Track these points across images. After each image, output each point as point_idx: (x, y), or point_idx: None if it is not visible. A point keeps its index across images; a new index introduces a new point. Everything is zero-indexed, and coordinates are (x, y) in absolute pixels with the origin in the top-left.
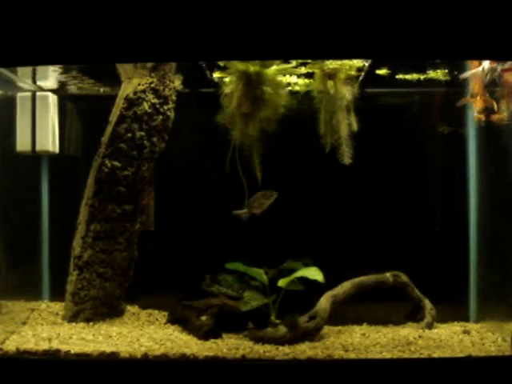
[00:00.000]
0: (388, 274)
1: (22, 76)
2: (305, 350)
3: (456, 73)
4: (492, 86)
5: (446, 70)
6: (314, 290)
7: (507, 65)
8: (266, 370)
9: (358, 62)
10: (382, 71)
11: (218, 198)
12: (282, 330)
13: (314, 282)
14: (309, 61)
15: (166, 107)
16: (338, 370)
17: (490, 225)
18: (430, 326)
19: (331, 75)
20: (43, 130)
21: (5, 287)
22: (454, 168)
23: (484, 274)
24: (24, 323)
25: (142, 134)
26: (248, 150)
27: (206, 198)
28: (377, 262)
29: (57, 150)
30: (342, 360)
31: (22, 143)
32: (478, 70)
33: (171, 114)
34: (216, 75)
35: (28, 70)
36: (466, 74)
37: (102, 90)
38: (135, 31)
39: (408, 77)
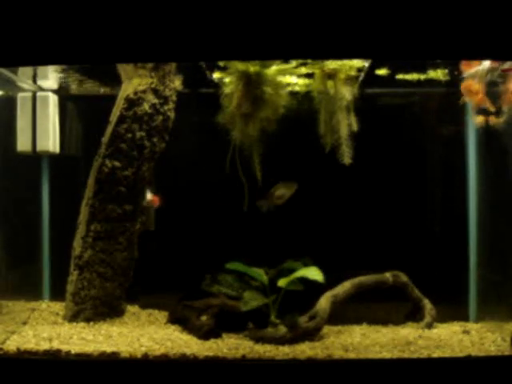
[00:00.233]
0: (388, 274)
1: (22, 76)
2: (305, 349)
3: (456, 73)
4: (492, 85)
5: (446, 70)
6: (314, 290)
7: (507, 65)
8: (266, 369)
9: (357, 62)
10: (382, 71)
11: (218, 198)
12: (282, 330)
13: (314, 282)
14: (309, 61)
15: (166, 107)
16: (337, 369)
17: (489, 225)
18: (429, 326)
19: (331, 75)
20: (43, 130)
21: (5, 287)
22: (454, 168)
23: (484, 273)
24: (24, 323)
25: (143, 134)
26: (248, 150)
27: (206, 198)
28: (377, 261)
29: (57, 150)
30: (342, 360)
31: (23, 143)
32: (479, 68)
33: (171, 115)
34: (216, 75)
35: (28, 69)
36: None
37: (102, 90)
38: (135, 31)
39: (408, 77)
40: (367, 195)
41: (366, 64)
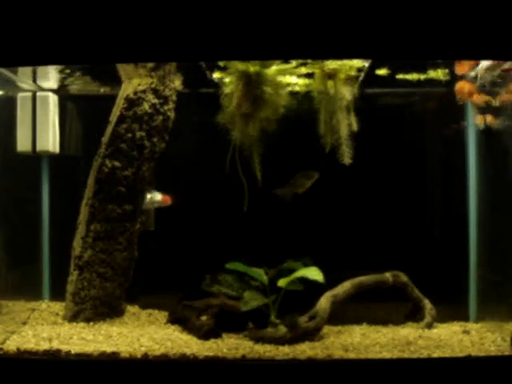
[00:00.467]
0: (388, 274)
1: (22, 76)
2: (305, 350)
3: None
4: (491, 86)
5: (447, 70)
6: (314, 290)
7: (507, 65)
8: (266, 369)
9: (358, 62)
10: (382, 71)
11: (217, 198)
12: (282, 330)
13: (314, 282)
14: (309, 61)
15: (166, 107)
16: (337, 369)
17: (489, 225)
18: (429, 326)
19: (331, 75)
20: (43, 130)
21: (5, 287)
22: (454, 168)
23: (484, 273)
24: (24, 323)
25: (143, 134)
26: (248, 150)
27: (206, 198)
28: (377, 261)
29: (57, 150)
30: (342, 360)
31: (23, 143)
32: (478, 68)
33: (171, 114)
34: (216, 75)
35: (28, 69)
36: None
37: (102, 90)
38: (136, 31)
39: (408, 77)
40: (367, 195)
41: (366, 64)
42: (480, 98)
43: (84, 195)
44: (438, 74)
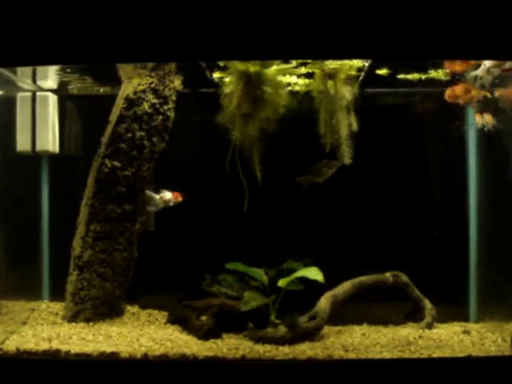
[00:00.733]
0: (388, 274)
1: (22, 76)
2: (305, 349)
3: (458, 73)
4: (491, 86)
5: (447, 70)
6: (314, 289)
7: (507, 65)
8: (266, 369)
9: (358, 62)
10: (382, 71)
11: (217, 198)
12: (282, 329)
13: (314, 281)
14: (309, 61)
15: (166, 107)
16: (338, 369)
17: (489, 225)
18: (429, 326)
19: (331, 75)
20: (43, 130)
21: (5, 287)
22: (454, 168)
23: (484, 273)
24: (24, 323)
25: (142, 134)
26: (248, 150)
27: (206, 197)
28: (377, 262)
29: (57, 150)
30: (342, 360)
31: (22, 143)
32: (479, 69)
33: (171, 114)
34: (216, 75)
35: (28, 69)
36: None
37: (101, 90)
38: (135, 31)
39: (409, 76)
40: (367, 195)
41: (366, 64)
42: (471, 98)
43: (84, 195)
44: (439, 73)
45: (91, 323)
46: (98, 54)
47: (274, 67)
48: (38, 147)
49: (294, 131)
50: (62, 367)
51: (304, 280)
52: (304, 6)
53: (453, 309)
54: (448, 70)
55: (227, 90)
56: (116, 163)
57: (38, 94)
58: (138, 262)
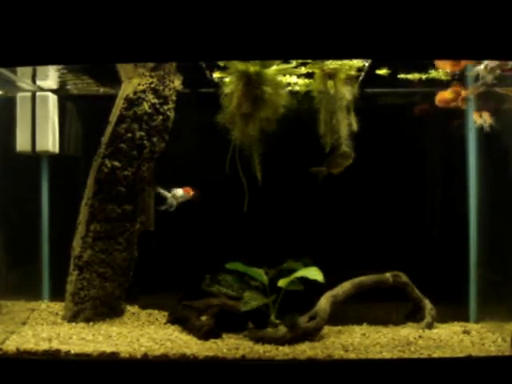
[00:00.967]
0: (388, 274)
1: (22, 76)
2: (305, 349)
3: (457, 72)
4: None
5: (448, 70)
6: (314, 289)
7: (509, 65)
8: (266, 369)
9: (357, 62)
10: (382, 71)
11: (217, 198)
12: (282, 329)
13: (314, 281)
14: (309, 61)
15: (165, 107)
16: (338, 369)
17: (489, 225)
18: (430, 326)
19: (331, 75)
20: (43, 130)
21: (5, 287)
22: (454, 168)
23: (484, 273)
24: (24, 323)
25: (142, 134)
26: (248, 150)
27: (206, 197)
28: (377, 262)
29: (57, 150)
30: (342, 360)
31: (22, 143)
32: (480, 68)
33: (171, 114)
34: (216, 75)
35: (28, 69)
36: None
37: (101, 90)
38: (135, 31)
39: (410, 76)
40: (367, 195)
41: (366, 64)
42: (461, 103)
43: (84, 195)
44: (440, 73)
45: (91, 323)
46: (98, 54)
47: (274, 67)
48: (38, 147)
49: (294, 131)
50: (62, 367)
51: (304, 280)
52: (304, 6)
53: (453, 309)
54: (449, 70)
55: (227, 90)
56: (116, 163)
57: (38, 94)
58: (138, 261)
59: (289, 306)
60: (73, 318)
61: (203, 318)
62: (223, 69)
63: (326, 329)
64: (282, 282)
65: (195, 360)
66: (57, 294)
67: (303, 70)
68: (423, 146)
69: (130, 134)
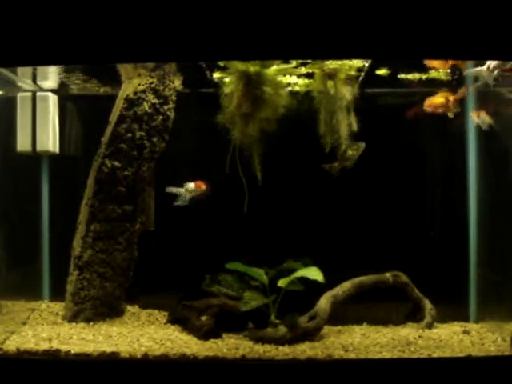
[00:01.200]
0: (388, 274)
1: (22, 76)
2: (305, 349)
3: (458, 72)
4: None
5: (448, 70)
6: (314, 289)
7: (509, 65)
8: (266, 369)
9: (357, 62)
10: (382, 71)
11: (217, 198)
12: (282, 329)
13: (314, 282)
14: (309, 61)
15: (166, 107)
16: (338, 369)
17: (489, 225)
18: (429, 326)
19: (331, 75)
20: (43, 129)
21: (5, 287)
22: (454, 168)
23: (484, 273)
24: (24, 323)
25: (142, 134)
26: (248, 150)
27: (206, 197)
28: (377, 262)
29: (57, 150)
30: (342, 360)
31: (23, 143)
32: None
33: (171, 114)
34: (216, 75)
35: (28, 69)
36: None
37: (102, 90)
38: (136, 31)
39: (410, 76)
40: (367, 195)
41: (366, 64)
42: (450, 108)
43: (84, 195)
44: (440, 73)
45: (91, 323)
46: (98, 54)
47: (274, 67)
48: (38, 147)
49: (294, 131)
50: (62, 367)
51: (304, 280)
52: (304, 6)
53: (453, 309)
54: (449, 70)
55: (227, 90)
56: (116, 163)
57: (38, 94)
58: (138, 262)
59: (289, 305)
60: (73, 317)
61: (203, 317)
62: (223, 69)
63: (326, 329)
64: (281, 282)
65: (195, 360)
66: (57, 294)
67: (303, 70)
68: (423, 145)
69: (130, 134)
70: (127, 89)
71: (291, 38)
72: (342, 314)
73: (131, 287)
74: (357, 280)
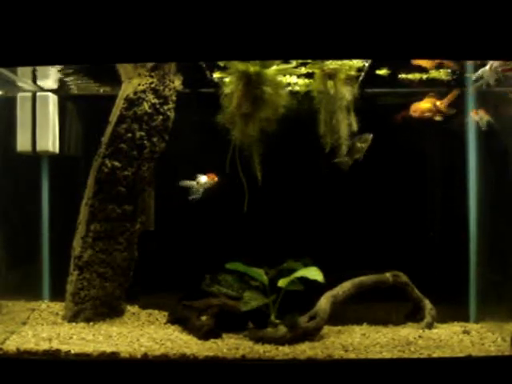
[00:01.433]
0: (388, 274)
1: (22, 76)
2: (305, 349)
3: (458, 72)
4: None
5: (449, 70)
6: (313, 289)
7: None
8: (266, 369)
9: (357, 62)
10: (382, 71)
11: (218, 198)
12: (282, 329)
13: (314, 282)
14: (309, 61)
15: (166, 107)
16: (338, 369)
17: (489, 225)
18: (429, 326)
19: (331, 75)
20: (43, 130)
21: (5, 287)
22: (454, 168)
23: (484, 273)
24: (24, 323)
25: (142, 134)
26: (248, 149)
27: (206, 197)
28: (377, 262)
29: (57, 150)
30: (342, 360)
31: (23, 143)
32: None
33: (171, 114)
34: (216, 75)
35: (28, 69)
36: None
37: (102, 90)
38: (135, 31)
39: (410, 76)
40: (367, 195)
41: (366, 64)
42: (436, 113)
43: (84, 195)
44: (440, 73)
45: (91, 323)
46: (98, 54)
47: (274, 67)
48: (38, 147)
49: (294, 131)
50: (62, 367)
51: (304, 280)
52: (304, 6)
53: (453, 309)
54: (449, 70)
55: (227, 90)
56: (116, 163)
57: (38, 94)
58: (138, 261)
59: (289, 305)
60: (73, 317)
61: (203, 318)
62: (223, 69)
63: (326, 329)
64: (281, 282)
65: (195, 360)
66: (57, 294)
67: (303, 70)
68: (423, 146)
69: (130, 134)
70: (127, 89)
71: (291, 38)
72: (342, 314)
73: (131, 287)
74: (357, 280)
